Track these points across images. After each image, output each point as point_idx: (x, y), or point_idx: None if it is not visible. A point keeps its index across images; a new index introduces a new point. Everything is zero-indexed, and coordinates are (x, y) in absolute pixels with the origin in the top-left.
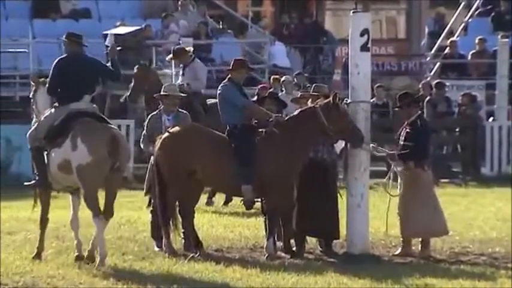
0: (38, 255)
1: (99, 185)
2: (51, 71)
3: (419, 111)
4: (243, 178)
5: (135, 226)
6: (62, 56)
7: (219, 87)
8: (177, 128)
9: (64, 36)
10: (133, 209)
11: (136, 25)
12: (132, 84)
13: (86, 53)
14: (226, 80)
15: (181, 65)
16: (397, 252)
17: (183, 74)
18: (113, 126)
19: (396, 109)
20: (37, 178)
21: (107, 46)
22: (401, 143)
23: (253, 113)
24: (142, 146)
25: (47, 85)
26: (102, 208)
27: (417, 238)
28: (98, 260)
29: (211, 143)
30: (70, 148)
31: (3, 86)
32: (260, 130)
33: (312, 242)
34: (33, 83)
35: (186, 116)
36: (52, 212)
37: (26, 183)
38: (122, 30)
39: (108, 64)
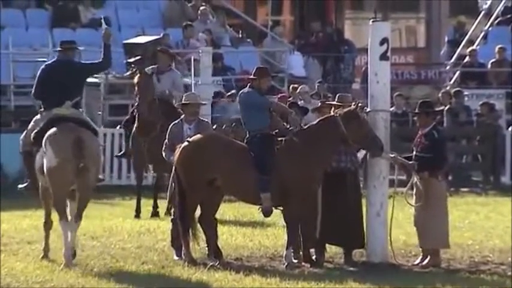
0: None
1: (66, 187)
2: (37, 76)
3: (434, 122)
4: (261, 186)
5: (155, 235)
6: (48, 62)
7: (240, 94)
8: (196, 137)
9: (58, 46)
10: (153, 218)
11: (156, 34)
12: (138, 94)
13: (73, 59)
14: (247, 87)
15: (153, 70)
16: (424, 263)
17: (158, 81)
18: (84, 129)
19: (414, 116)
20: (28, 182)
21: (101, 30)
22: (416, 153)
23: (279, 110)
24: (164, 154)
25: (32, 90)
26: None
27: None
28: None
29: (231, 151)
30: (42, 152)
31: (22, 95)
32: (279, 139)
33: (331, 251)
34: None
35: (208, 125)
36: None
37: (19, 186)
38: (142, 39)
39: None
